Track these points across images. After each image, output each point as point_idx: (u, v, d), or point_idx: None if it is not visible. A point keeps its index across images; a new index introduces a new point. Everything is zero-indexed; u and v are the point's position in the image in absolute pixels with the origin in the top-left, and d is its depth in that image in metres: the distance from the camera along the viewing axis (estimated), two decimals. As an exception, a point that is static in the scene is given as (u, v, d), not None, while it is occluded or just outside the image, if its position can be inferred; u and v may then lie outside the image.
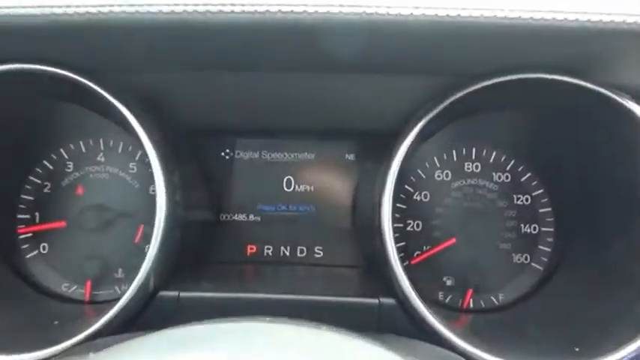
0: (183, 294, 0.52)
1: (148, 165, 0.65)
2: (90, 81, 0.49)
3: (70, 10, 0.40)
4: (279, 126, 0.67)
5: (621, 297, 0.52)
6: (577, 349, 0.48)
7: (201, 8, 0.40)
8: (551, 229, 0.67)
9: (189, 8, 0.40)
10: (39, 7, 0.40)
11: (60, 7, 0.40)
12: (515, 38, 0.43)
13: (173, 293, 0.52)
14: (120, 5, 0.40)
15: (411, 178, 0.68)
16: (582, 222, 0.63)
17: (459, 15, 0.40)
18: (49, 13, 0.40)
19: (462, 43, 0.43)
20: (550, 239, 0.67)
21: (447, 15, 0.40)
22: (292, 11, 0.39)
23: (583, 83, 0.48)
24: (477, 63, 0.48)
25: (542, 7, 0.41)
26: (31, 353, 0.48)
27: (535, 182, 0.68)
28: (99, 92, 0.48)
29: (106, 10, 0.40)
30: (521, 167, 0.68)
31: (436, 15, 0.39)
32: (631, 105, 0.49)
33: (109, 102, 0.49)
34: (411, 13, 0.41)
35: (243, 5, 0.40)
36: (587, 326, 0.51)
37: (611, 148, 0.54)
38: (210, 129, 0.67)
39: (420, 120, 0.51)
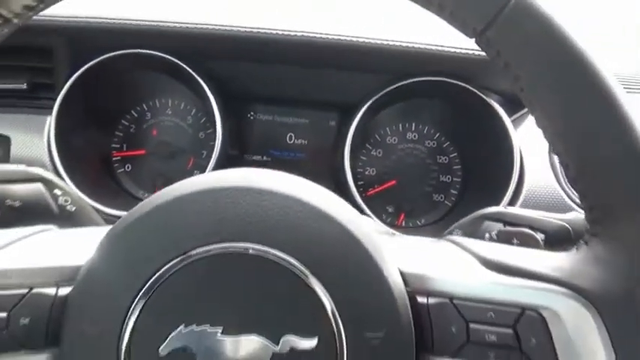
0: None
1: (200, 118, 1.00)
2: (187, 65, 0.82)
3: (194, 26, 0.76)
4: (287, 98, 0.98)
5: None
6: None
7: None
8: (460, 180, 0.98)
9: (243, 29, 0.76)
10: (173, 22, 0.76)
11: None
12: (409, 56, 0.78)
13: None
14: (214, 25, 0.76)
15: (371, 140, 0.99)
16: (477, 176, 0.96)
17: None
18: (180, 27, 0.76)
19: (384, 57, 0.79)
20: (458, 186, 0.99)
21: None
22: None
23: (458, 82, 0.82)
24: (399, 68, 0.83)
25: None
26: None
27: (451, 148, 0.98)
28: (191, 73, 0.83)
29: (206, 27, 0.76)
30: (443, 138, 0.99)
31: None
32: (490, 100, 0.84)
33: (195, 79, 0.83)
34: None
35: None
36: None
37: (487, 126, 0.88)
38: (243, 99, 0.99)
39: (365, 102, 0.85)
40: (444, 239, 0.46)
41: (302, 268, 0.36)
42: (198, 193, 0.37)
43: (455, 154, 1.01)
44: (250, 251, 0.36)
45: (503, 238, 0.47)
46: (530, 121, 0.85)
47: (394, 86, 0.84)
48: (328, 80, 0.90)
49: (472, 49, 0.77)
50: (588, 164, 0.36)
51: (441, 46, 0.77)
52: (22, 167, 0.56)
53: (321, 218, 0.37)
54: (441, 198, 1.00)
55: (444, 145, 1.01)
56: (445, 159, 1.01)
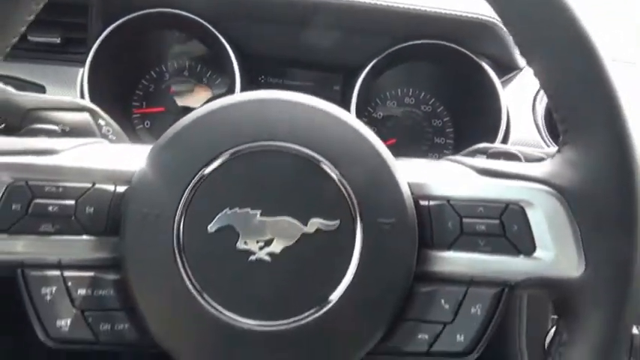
0: None
1: (215, 79, 1.08)
2: (214, 28, 0.90)
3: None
4: (294, 60, 1.06)
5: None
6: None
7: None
8: (452, 141, 1.07)
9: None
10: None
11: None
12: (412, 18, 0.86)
13: None
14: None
15: (372, 103, 1.07)
16: (468, 137, 1.04)
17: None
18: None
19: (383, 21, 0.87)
20: (450, 147, 1.07)
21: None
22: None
23: (453, 45, 0.91)
24: (398, 30, 0.92)
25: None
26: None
27: (445, 112, 1.07)
28: (216, 34, 0.91)
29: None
30: (437, 103, 1.07)
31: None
32: (482, 62, 0.93)
33: (219, 40, 0.91)
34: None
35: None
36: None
37: (477, 86, 0.97)
38: (254, 62, 1.05)
39: (367, 65, 0.94)
40: (443, 159, 0.55)
41: (330, 165, 0.45)
42: (232, 105, 0.44)
43: (448, 117, 1.09)
44: (293, 151, 0.44)
45: (492, 157, 0.56)
46: (516, 83, 0.95)
47: (394, 48, 0.93)
48: (333, 42, 0.98)
49: (467, 12, 0.86)
50: (562, 85, 0.45)
51: (439, 8, 0.85)
52: (71, 98, 0.65)
53: (347, 128, 0.46)
54: (436, 157, 1.09)
55: (439, 110, 1.09)
56: (439, 122, 1.09)
